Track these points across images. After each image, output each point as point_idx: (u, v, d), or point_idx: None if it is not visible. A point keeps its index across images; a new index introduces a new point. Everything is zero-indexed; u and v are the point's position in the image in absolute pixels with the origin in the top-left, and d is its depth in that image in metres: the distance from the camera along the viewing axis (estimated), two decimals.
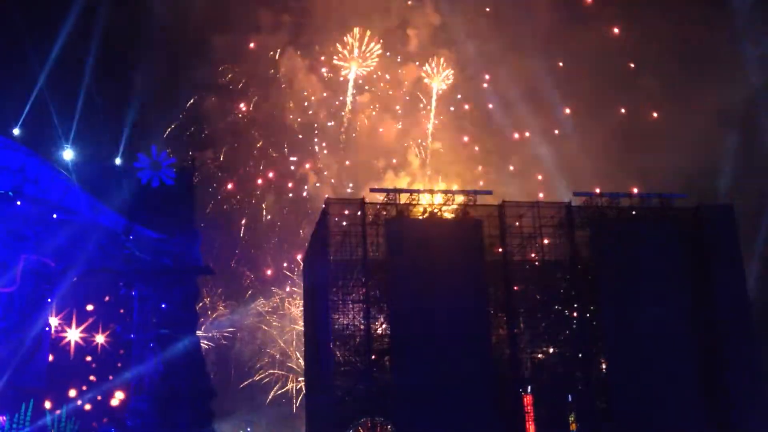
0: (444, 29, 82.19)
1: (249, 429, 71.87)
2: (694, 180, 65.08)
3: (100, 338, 56.40)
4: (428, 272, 44.87)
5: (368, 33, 79.69)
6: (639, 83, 79.01)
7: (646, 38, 78.21)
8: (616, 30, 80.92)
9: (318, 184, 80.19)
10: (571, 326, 48.77)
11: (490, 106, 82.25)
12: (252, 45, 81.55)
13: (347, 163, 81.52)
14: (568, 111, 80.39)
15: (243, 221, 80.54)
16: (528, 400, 46.89)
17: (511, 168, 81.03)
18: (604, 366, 47.59)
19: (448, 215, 47.94)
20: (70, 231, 55.39)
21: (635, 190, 54.74)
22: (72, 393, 55.03)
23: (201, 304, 68.77)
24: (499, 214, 48.02)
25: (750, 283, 52.41)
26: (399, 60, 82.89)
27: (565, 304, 48.87)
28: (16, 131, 56.86)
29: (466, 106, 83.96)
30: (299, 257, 72.33)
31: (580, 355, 47.80)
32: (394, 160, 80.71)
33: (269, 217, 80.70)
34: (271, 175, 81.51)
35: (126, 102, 62.62)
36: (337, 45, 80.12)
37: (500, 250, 48.01)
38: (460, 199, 47.99)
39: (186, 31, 74.54)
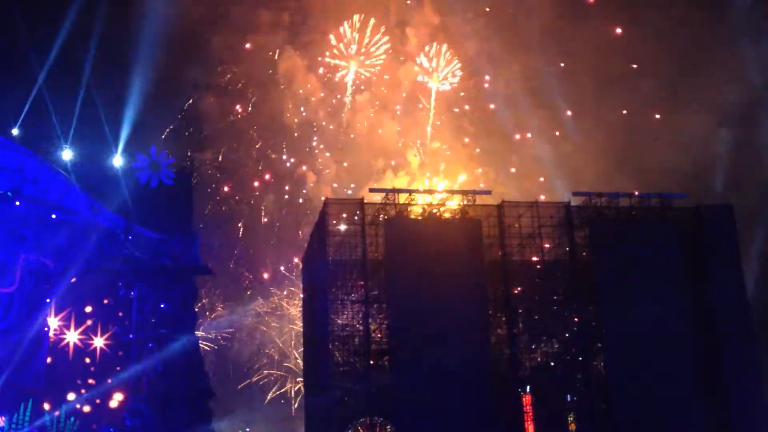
0: (444, 29, 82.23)
1: (248, 429, 71.69)
2: (694, 180, 65.07)
3: (99, 341, 56.34)
4: (427, 272, 44.90)
5: (372, 21, 79.41)
6: (639, 83, 78.93)
7: (646, 38, 78.09)
8: (618, 30, 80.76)
9: (315, 184, 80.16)
10: (571, 326, 48.70)
11: (492, 106, 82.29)
12: (250, 45, 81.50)
13: (346, 164, 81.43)
14: (569, 112, 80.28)
15: (241, 222, 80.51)
16: (527, 400, 46.95)
17: (513, 170, 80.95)
18: (603, 366, 47.54)
19: (447, 215, 47.92)
20: (69, 231, 55.35)
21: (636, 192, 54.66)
22: (71, 394, 54.93)
23: (200, 304, 68.78)
24: (498, 214, 48.10)
25: (749, 283, 52.37)
26: (400, 60, 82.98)
27: (565, 305, 48.80)
28: (15, 131, 56.93)
29: (467, 106, 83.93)
30: (297, 259, 72.25)
31: (580, 356, 47.80)
32: (393, 162, 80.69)
33: (267, 217, 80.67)
34: (268, 176, 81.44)
35: (125, 102, 62.57)
36: (332, 38, 79.89)
37: (500, 250, 47.99)
38: (459, 199, 47.93)
39: (184, 31, 74.42)
